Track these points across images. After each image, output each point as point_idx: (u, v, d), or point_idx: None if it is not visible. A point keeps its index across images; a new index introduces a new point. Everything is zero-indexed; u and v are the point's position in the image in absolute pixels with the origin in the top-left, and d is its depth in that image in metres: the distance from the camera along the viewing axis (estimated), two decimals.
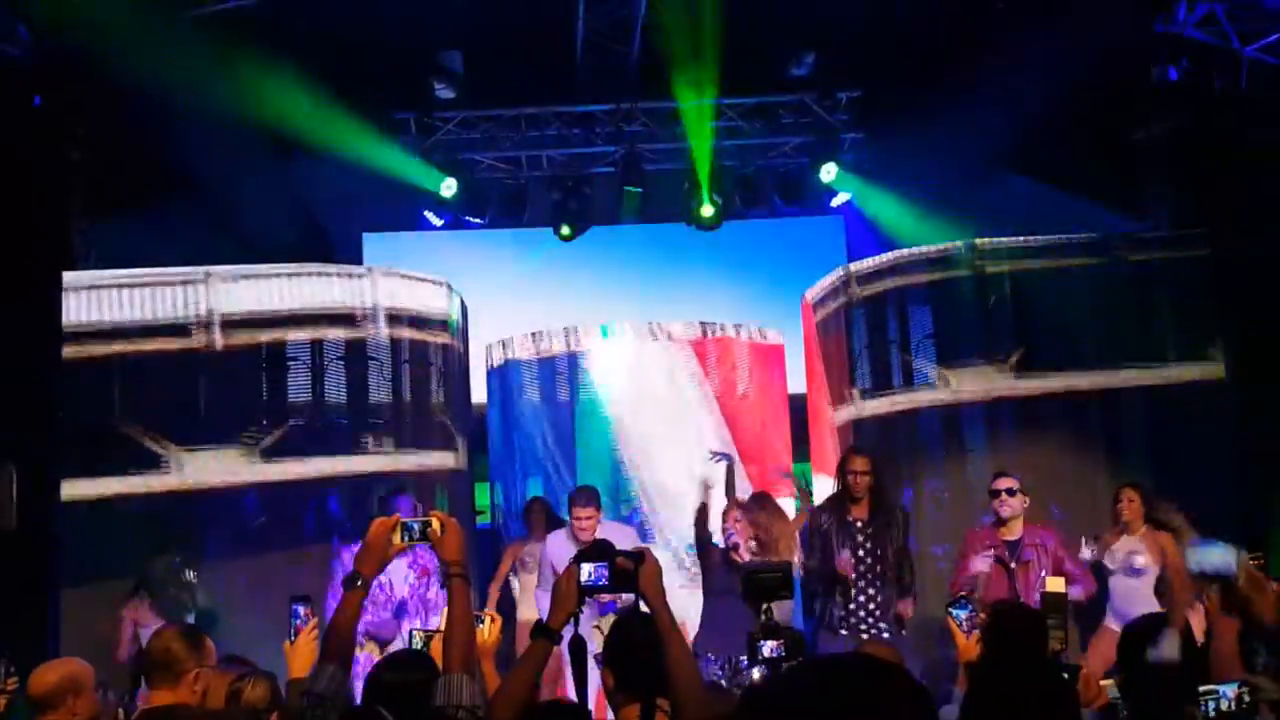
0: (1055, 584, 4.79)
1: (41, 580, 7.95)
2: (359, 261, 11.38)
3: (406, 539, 3.58)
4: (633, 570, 3.15)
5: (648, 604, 3.17)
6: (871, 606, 6.58)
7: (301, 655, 3.97)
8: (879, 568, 6.59)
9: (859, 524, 6.63)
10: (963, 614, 4.32)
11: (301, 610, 4.07)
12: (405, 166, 11.13)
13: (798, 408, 9.51)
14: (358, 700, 3.69)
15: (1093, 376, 8.59)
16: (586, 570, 3.15)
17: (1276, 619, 3.70)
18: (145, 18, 8.29)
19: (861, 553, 6.59)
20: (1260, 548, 4.40)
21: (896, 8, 9.60)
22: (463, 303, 9.31)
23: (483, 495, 9.31)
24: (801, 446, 9.44)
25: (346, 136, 10.27)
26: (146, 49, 8.29)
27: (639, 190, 11.10)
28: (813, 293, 9.64)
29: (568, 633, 3.28)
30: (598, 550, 3.21)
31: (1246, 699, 3.34)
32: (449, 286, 9.10)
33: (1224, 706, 3.31)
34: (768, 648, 4.06)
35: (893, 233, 10.82)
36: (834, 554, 6.54)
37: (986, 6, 9.48)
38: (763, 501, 7.41)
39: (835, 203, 11.53)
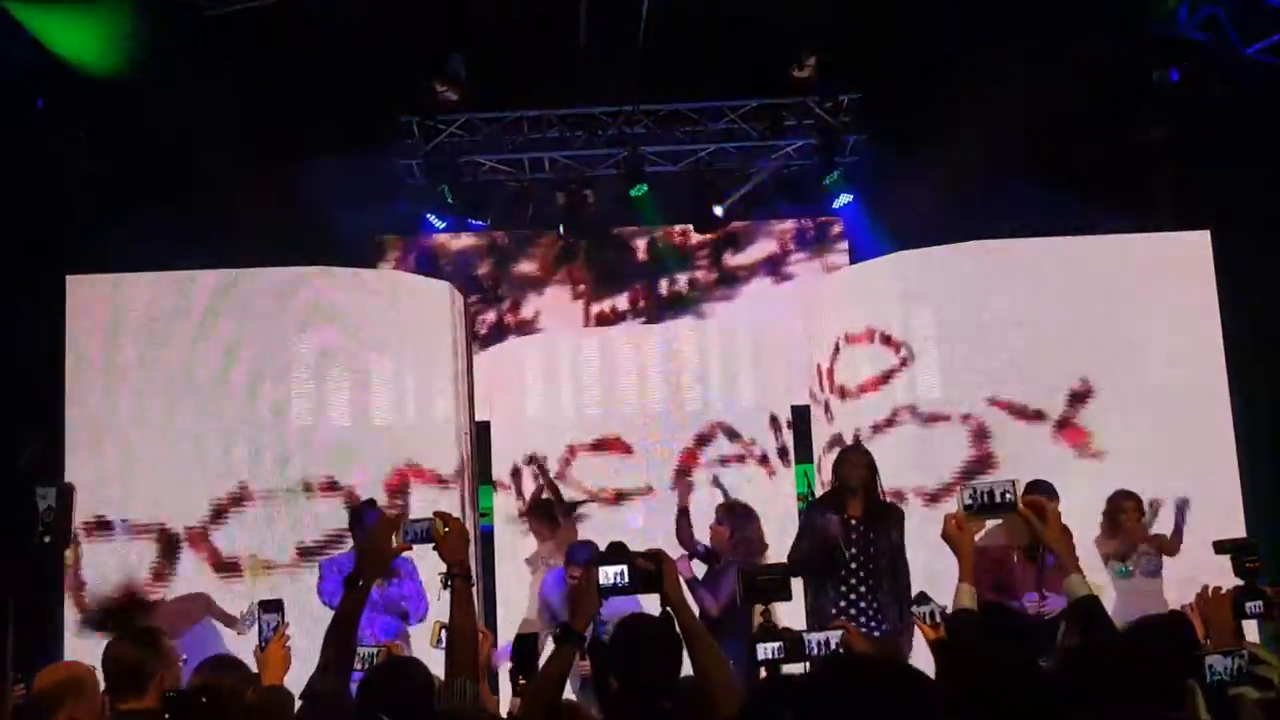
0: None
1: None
2: (364, 265, 11.38)
3: (409, 540, 3.56)
4: (654, 571, 3.17)
5: (669, 604, 3.19)
6: (863, 604, 6.54)
7: (273, 662, 3.94)
8: (872, 565, 6.54)
9: (853, 520, 6.60)
10: (924, 610, 4.37)
11: (271, 617, 4.05)
12: (408, 169, 11.15)
13: (799, 414, 9.50)
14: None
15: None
16: (607, 573, 3.17)
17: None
18: (150, 20, 8.33)
19: (854, 550, 6.54)
20: (1254, 550, 4.40)
21: (898, 9, 9.59)
22: (465, 305, 9.31)
23: (485, 497, 9.31)
24: (802, 447, 9.43)
25: (350, 139, 10.27)
26: (150, 51, 8.32)
27: (645, 188, 11.10)
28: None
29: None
30: (616, 552, 3.24)
31: (1244, 668, 3.38)
32: (451, 288, 9.08)
33: (1224, 676, 3.36)
34: (766, 649, 4.07)
35: (894, 234, 10.82)
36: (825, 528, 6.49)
37: (988, 8, 9.48)
38: (746, 510, 7.26)
39: (838, 204, 11.54)
